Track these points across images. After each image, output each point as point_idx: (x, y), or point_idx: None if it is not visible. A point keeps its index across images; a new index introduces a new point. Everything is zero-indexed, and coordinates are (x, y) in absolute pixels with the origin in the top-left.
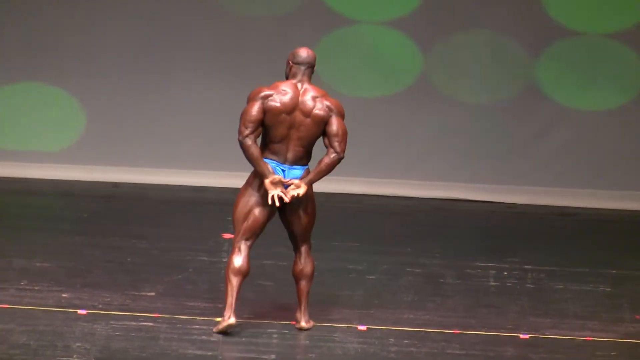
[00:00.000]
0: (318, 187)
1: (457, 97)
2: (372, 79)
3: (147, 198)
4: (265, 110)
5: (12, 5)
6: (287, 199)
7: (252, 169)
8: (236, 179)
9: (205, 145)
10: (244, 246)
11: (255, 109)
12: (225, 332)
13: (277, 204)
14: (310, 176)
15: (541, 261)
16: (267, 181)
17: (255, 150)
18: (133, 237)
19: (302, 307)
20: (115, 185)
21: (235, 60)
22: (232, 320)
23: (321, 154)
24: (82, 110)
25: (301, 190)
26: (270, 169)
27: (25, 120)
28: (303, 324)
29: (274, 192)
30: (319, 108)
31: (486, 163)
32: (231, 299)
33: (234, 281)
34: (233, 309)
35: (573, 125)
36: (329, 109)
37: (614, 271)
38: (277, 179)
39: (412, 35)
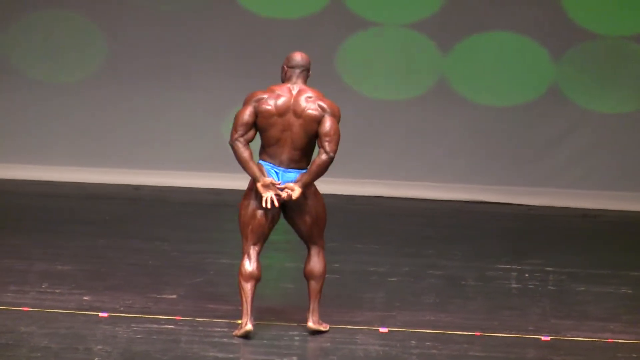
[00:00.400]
0: (339, 189)
1: (478, 100)
2: (393, 81)
3: (168, 201)
4: (257, 113)
5: None
6: (277, 203)
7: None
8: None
9: (225, 148)
10: (252, 251)
11: (247, 112)
12: (245, 337)
13: (269, 206)
14: (304, 178)
15: (563, 263)
16: (259, 184)
17: (244, 152)
18: (154, 239)
19: (312, 308)
20: (137, 188)
21: (256, 63)
22: (249, 327)
23: None
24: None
25: (294, 194)
26: (262, 172)
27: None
28: (310, 323)
29: (267, 195)
30: (312, 108)
31: (507, 165)
32: (247, 305)
33: (247, 287)
34: (250, 316)
35: (594, 127)
36: (322, 108)
37: (636, 273)
38: (269, 182)
39: (433, 37)
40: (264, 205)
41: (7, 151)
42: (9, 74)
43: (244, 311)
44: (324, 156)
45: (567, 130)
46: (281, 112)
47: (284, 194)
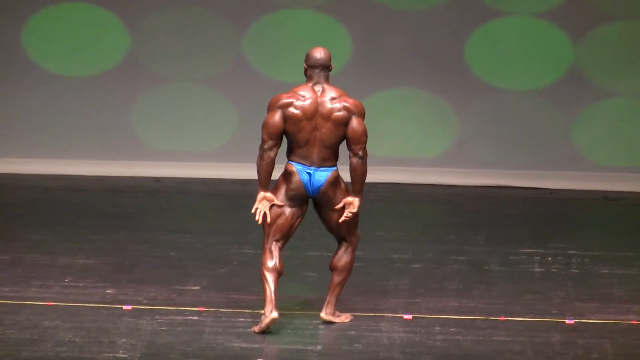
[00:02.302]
0: None
1: (499, 84)
2: (414, 68)
3: (189, 192)
4: (286, 119)
5: None
6: (269, 219)
7: (282, 170)
8: (277, 172)
9: (246, 138)
10: (274, 247)
11: (276, 118)
12: (267, 329)
13: (259, 219)
14: (356, 188)
15: (585, 246)
16: (261, 194)
17: (269, 166)
18: (177, 231)
19: (328, 299)
20: (158, 180)
21: (277, 53)
22: (274, 314)
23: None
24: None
25: (355, 205)
26: (266, 185)
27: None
28: (323, 314)
29: (260, 207)
30: (338, 109)
31: (528, 149)
32: (270, 294)
33: (270, 277)
34: (274, 304)
35: (615, 109)
36: (349, 110)
37: None
38: (270, 198)
39: (453, 22)
40: (252, 211)
41: (28, 146)
42: (28, 67)
43: (268, 299)
44: (355, 160)
45: (589, 112)
46: (309, 116)
47: (348, 214)
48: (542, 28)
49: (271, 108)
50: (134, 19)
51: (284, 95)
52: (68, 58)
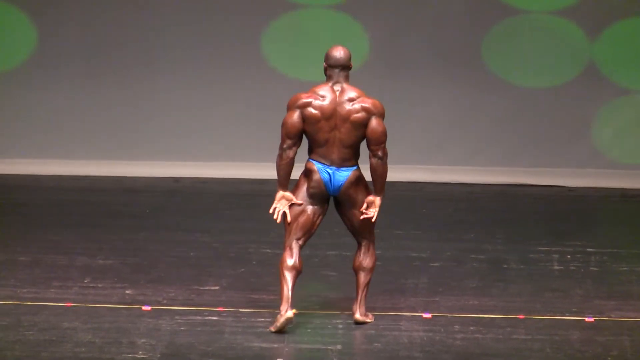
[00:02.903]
0: None
1: (516, 82)
2: (429, 65)
3: (207, 192)
4: (304, 119)
5: None
6: (289, 218)
7: (302, 168)
8: (296, 171)
9: (264, 137)
10: (295, 245)
11: (294, 119)
12: (284, 328)
13: (279, 220)
14: (378, 188)
15: (604, 244)
16: (280, 193)
17: (288, 165)
18: (195, 231)
19: (359, 299)
20: (177, 180)
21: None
22: (290, 313)
23: (365, 151)
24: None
25: (377, 204)
26: (285, 185)
27: (90, 117)
28: (358, 315)
29: (279, 207)
30: (357, 110)
31: (546, 147)
32: (287, 291)
33: (289, 276)
34: (290, 303)
35: (633, 106)
36: (368, 110)
37: None
38: (289, 197)
39: (470, 18)
40: (270, 211)
41: (45, 147)
42: (44, 69)
43: (284, 298)
44: (375, 160)
45: (606, 109)
46: (328, 116)
47: (370, 213)
48: (559, 25)
49: (290, 108)
50: (157, 21)
51: (303, 95)
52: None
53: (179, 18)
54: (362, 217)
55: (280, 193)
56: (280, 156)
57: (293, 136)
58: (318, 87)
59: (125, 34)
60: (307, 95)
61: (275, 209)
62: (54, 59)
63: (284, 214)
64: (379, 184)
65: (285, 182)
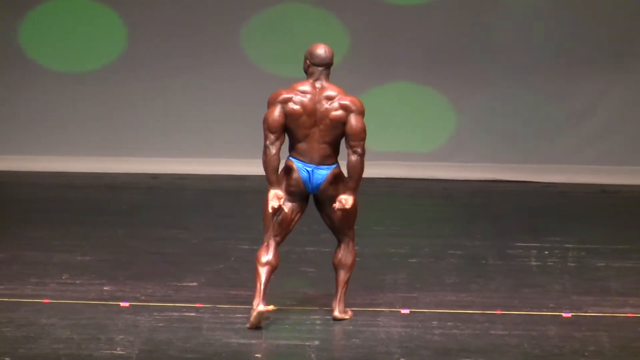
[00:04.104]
0: None
1: (495, 78)
2: (410, 64)
3: (186, 188)
4: (286, 114)
5: None
6: (286, 210)
7: (282, 165)
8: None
9: (243, 134)
10: (272, 242)
11: (276, 114)
12: (258, 323)
13: (271, 211)
14: (352, 185)
15: (582, 239)
16: (272, 192)
17: (274, 161)
18: (174, 227)
19: (338, 297)
20: (155, 176)
21: (274, 48)
22: (262, 307)
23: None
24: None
25: (349, 203)
26: (279, 181)
27: (69, 113)
28: (336, 313)
29: (274, 204)
30: (335, 108)
31: (525, 143)
32: (260, 286)
33: (262, 271)
34: (262, 297)
35: (613, 103)
36: (346, 108)
37: None
38: (280, 196)
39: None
40: (269, 210)
41: (24, 143)
42: (25, 64)
43: (257, 292)
44: (354, 157)
45: (586, 106)
46: (309, 112)
47: (338, 205)
48: (538, 21)
49: (271, 103)
50: (133, 14)
51: (284, 91)
52: (65, 54)
53: (158, 14)
54: (336, 209)
55: (272, 191)
56: (265, 153)
57: (275, 131)
58: (298, 84)
59: (103, 29)
60: (287, 91)
61: (273, 208)
62: (30, 55)
63: (280, 210)
64: (354, 181)
65: (273, 178)
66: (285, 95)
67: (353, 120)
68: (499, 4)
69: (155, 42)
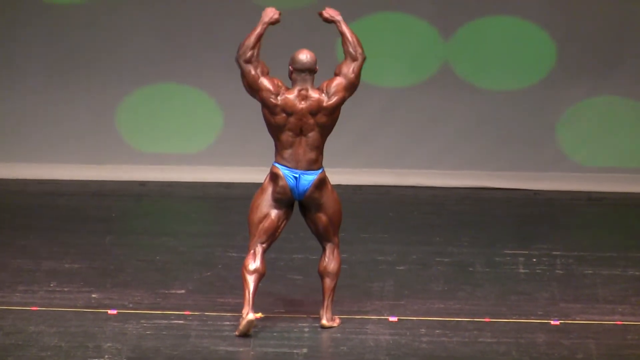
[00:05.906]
0: (346, 179)
1: (481, 85)
2: (396, 69)
3: (174, 196)
4: (262, 99)
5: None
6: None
7: (267, 172)
8: (262, 174)
9: (231, 141)
10: (259, 248)
11: (256, 71)
12: (247, 332)
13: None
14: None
15: (570, 247)
16: (264, 19)
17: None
18: (162, 235)
19: (325, 305)
20: (142, 184)
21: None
22: (251, 316)
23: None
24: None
25: (331, 14)
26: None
27: (55, 120)
28: (324, 321)
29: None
30: (327, 96)
31: (512, 150)
32: (248, 295)
33: (250, 279)
34: (251, 306)
35: (598, 109)
36: (327, 86)
37: None
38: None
39: (434, 22)
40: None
41: (11, 150)
42: (10, 71)
43: (246, 301)
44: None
45: (571, 113)
46: (289, 110)
47: (325, 14)
48: (525, 28)
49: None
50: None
51: (280, 82)
52: (51, 61)
53: (128, 20)
54: (323, 12)
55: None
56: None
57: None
58: (288, 92)
59: (85, 36)
60: (284, 86)
61: (273, 19)
62: (16, 62)
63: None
64: (350, 33)
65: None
66: (277, 83)
67: (344, 69)
68: (481, 11)
69: (143, 47)
